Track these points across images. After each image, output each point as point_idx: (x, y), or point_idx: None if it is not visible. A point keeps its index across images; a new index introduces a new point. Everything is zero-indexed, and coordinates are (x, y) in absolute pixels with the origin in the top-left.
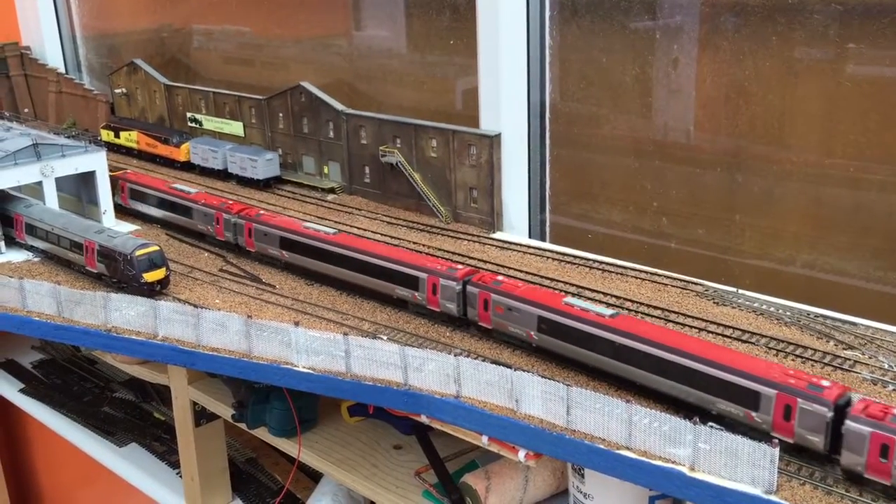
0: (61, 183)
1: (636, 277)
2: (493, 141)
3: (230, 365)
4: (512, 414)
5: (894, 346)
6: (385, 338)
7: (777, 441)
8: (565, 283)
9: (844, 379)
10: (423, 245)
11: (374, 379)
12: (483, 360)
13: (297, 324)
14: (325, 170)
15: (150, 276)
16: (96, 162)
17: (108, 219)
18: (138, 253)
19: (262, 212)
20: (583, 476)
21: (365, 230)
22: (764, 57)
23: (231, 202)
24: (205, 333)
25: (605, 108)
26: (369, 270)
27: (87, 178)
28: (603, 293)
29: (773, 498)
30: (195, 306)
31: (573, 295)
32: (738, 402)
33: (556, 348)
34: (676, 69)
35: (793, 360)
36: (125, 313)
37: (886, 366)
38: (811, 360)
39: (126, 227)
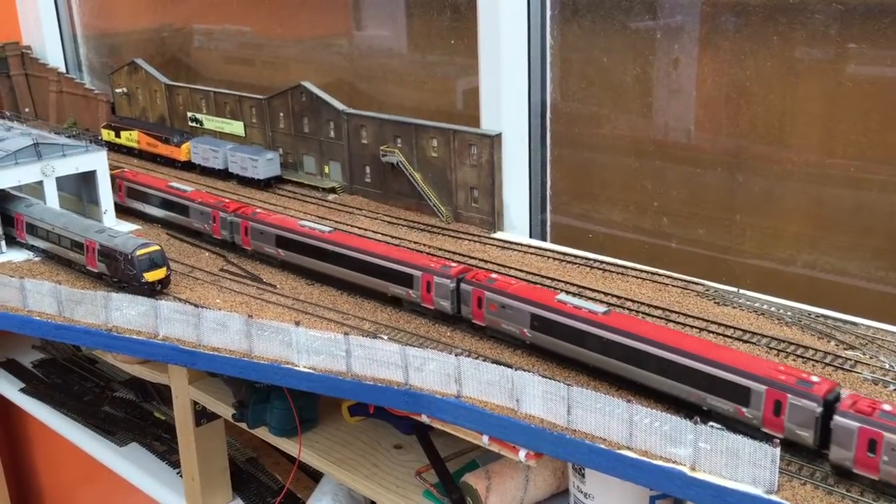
0: (62, 182)
1: (637, 277)
2: (494, 141)
3: (231, 364)
4: (513, 414)
5: (895, 347)
6: (386, 337)
7: (778, 441)
8: (566, 282)
9: (845, 379)
10: (424, 245)
11: (374, 379)
12: (484, 360)
13: (297, 323)
14: (326, 169)
15: (151, 276)
16: (97, 161)
17: (109, 218)
18: (139, 252)
19: (258, 210)
20: (583, 476)
21: (365, 230)
22: (765, 57)
23: (228, 200)
24: (205, 333)
25: (605, 107)
26: (364, 268)
27: (88, 178)
28: (604, 293)
29: (774, 498)
30: (196, 306)
31: (566, 292)
32: (728, 398)
33: (550, 345)
34: (677, 69)
35: (794, 360)
36: (126, 313)
37: (887, 366)
38: (812, 360)
39: (127, 226)
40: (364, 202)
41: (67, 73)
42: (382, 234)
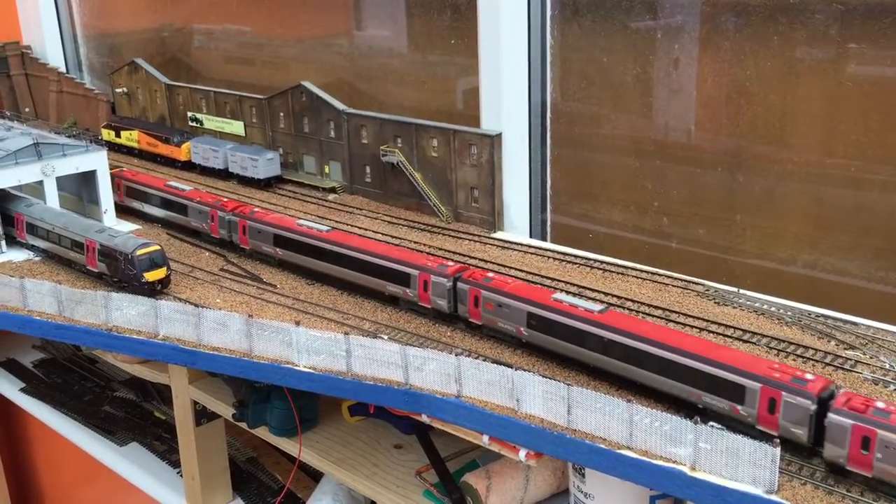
0: (62, 182)
1: (637, 277)
2: (494, 140)
3: (231, 364)
4: (513, 413)
5: (895, 347)
6: (386, 337)
7: (778, 441)
8: (566, 282)
9: (845, 379)
10: (424, 245)
11: (374, 378)
12: (484, 360)
13: (297, 323)
14: (326, 169)
15: (151, 276)
16: (97, 161)
17: (109, 218)
18: (139, 252)
19: (256, 209)
20: (583, 476)
21: (366, 230)
22: (765, 57)
23: (226, 200)
24: (206, 333)
25: (605, 107)
26: (361, 267)
27: (88, 178)
28: (604, 293)
29: (774, 498)
30: (196, 306)
31: (564, 291)
32: (723, 396)
33: (546, 344)
34: (677, 69)
35: (794, 360)
36: (126, 312)
37: (888, 366)
38: (812, 360)
39: (127, 226)
40: (364, 202)
41: (67, 72)
42: (382, 234)
